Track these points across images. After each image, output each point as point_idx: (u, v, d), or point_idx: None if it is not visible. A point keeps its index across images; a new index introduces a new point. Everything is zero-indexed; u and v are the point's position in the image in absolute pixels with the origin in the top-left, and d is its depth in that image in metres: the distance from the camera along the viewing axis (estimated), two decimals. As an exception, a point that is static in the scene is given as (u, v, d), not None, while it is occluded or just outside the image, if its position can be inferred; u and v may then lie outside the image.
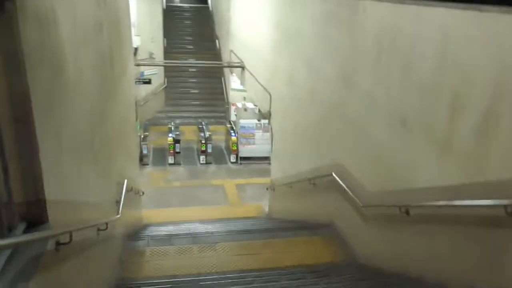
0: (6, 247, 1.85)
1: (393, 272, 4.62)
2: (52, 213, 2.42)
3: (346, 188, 5.74)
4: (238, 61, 15.31)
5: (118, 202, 5.29)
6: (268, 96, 10.10)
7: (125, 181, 5.90)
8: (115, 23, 5.88)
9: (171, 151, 14.34)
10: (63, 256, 2.67)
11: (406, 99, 4.26)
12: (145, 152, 14.24)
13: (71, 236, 2.58)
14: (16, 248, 2.06)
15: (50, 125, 2.44)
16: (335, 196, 6.36)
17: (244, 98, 15.98)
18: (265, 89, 10.43)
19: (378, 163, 5.00)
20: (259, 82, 11.17)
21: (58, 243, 2.51)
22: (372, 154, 5.13)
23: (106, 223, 4.00)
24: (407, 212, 4.33)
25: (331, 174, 6.22)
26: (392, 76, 4.51)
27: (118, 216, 4.88)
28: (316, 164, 7.12)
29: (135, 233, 7.19)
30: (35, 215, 2.30)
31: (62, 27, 2.69)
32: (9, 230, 2.15)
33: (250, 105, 15.30)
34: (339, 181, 5.98)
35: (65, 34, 2.78)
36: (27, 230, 2.24)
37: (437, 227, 3.99)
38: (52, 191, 2.43)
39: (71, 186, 2.96)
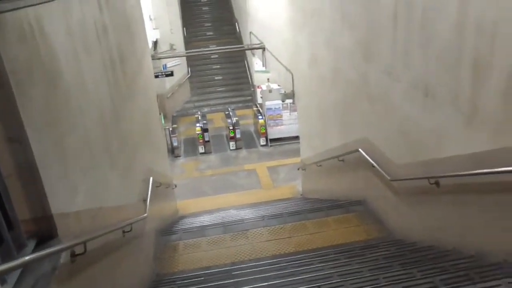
0: (12, 269, 1.84)
1: (428, 246, 4.46)
2: (64, 225, 2.43)
3: (374, 163, 5.56)
4: (258, 42, 15.07)
5: (145, 200, 5.35)
6: (290, 76, 9.90)
7: (151, 178, 5.94)
8: (123, 22, 5.84)
9: (201, 141, 14.43)
10: (84, 265, 2.70)
11: (426, 67, 4.02)
12: (175, 144, 14.39)
13: (85, 246, 2.59)
14: (25, 267, 2.07)
15: (49, 138, 2.42)
16: (364, 172, 6.19)
17: (268, 80, 15.79)
18: (287, 69, 10.22)
19: (404, 135, 4.79)
20: (280, 63, 10.95)
21: (73, 255, 2.52)
22: (397, 126, 4.92)
23: (130, 225, 4.03)
24: (437, 184, 4.14)
25: (358, 150, 6.04)
26: (410, 44, 4.25)
27: (145, 215, 4.92)
28: (343, 140, 6.94)
29: (169, 226, 7.30)
30: (44, 231, 2.31)
31: (52, 38, 2.65)
32: (19, 249, 2.17)
33: (274, 86, 15.08)
34: (366, 156, 5.80)
35: (58, 45, 2.74)
36: (37, 248, 2.25)
37: (468, 196, 3.79)
38: (61, 203, 2.44)
39: (85, 194, 2.97)
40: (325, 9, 6.99)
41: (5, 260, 1.92)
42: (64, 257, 2.39)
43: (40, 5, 2.52)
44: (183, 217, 9.11)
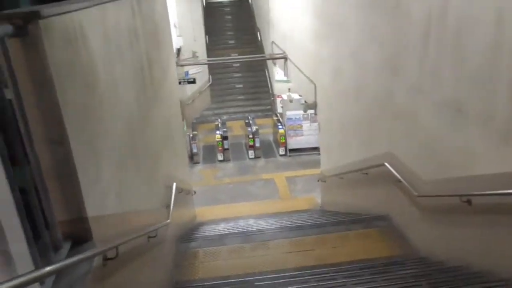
0: (50, 273, 1.82)
1: (455, 266, 4.34)
2: (97, 228, 2.43)
3: (401, 178, 5.46)
4: (280, 52, 15.12)
5: (168, 206, 5.35)
6: (313, 87, 9.87)
7: (174, 184, 5.95)
8: (152, 28, 5.90)
9: (220, 148, 14.45)
10: (114, 269, 2.69)
11: (459, 85, 3.94)
12: (195, 150, 14.44)
13: (117, 250, 2.58)
14: (61, 271, 2.06)
15: (86, 141, 2.43)
16: (388, 187, 6.09)
17: (289, 89, 15.78)
18: (309, 79, 10.20)
19: (432, 151, 4.70)
20: (303, 73, 10.95)
21: (105, 259, 2.52)
22: (425, 142, 4.83)
23: (156, 230, 4.02)
24: (469, 202, 4.03)
25: (384, 164, 5.94)
26: (443, 61, 4.18)
27: (168, 221, 4.92)
28: (367, 154, 6.85)
29: (188, 233, 7.28)
30: (79, 234, 2.31)
31: (92, 42, 2.67)
32: (55, 251, 2.17)
33: (295, 96, 15.05)
34: (393, 171, 5.70)
35: (96, 49, 2.77)
36: (72, 249, 2.25)
37: (503, 217, 3.67)
38: (94, 206, 2.43)
39: (115, 198, 2.97)
40: (351, 23, 6.96)
41: (42, 260, 1.92)
42: (97, 261, 2.38)
43: (82, 10, 2.55)
44: (201, 224, 9.09)
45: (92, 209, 2.37)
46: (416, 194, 5.03)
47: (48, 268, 1.68)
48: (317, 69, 9.61)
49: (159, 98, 5.81)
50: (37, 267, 1.81)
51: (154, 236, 4.00)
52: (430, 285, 3.81)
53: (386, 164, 5.91)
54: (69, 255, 2.19)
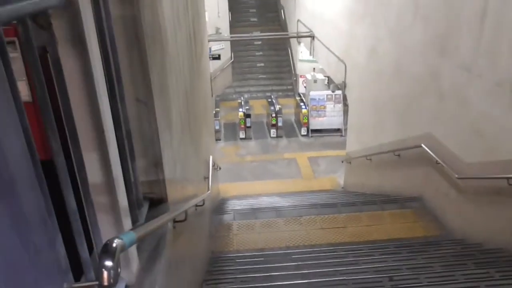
0: (146, 235, 1.86)
1: (497, 248, 4.34)
2: (170, 191, 2.48)
3: (439, 160, 5.44)
4: (307, 31, 14.91)
5: (206, 178, 5.41)
6: (343, 67, 9.76)
7: (210, 157, 6.00)
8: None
9: (242, 126, 14.44)
10: (179, 232, 2.75)
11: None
12: (217, 127, 14.46)
13: (186, 214, 2.64)
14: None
15: (163, 105, 2.46)
16: (424, 169, 6.07)
17: (314, 69, 15.63)
18: (339, 59, 10.07)
19: (478, 133, 4.65)
20: (332, 52, 10.80)
21: (174, 221, 2.57)
22: (471, 124, 4.78)
23: (203, 200, 4.08)
24: (517, 185, 4.02)
25: (421, 146, 5.91)
26: (501, 40, 4.10)
27: (209, 192, 4.99)
28: (401, 135, 6.81)
29: (218, 207, 7.38)
30: (156, 194, 2.36)
31: (164, 6, 2.68)
32: (138, 209, 2.22)
33: (320, 76, 14.92)
34: (430, 152, 5.67)
35: (167, 14, 2.77)
36: (150, 209, 2.30)
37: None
38: (168, 170, 2.48)
39: (178, 165, 3.02)
40: (393, 0, 6.83)
41: (133, 217, 1.97)
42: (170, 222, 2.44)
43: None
44: (226, 199, 9.19)
45: (167, 172, 2.42)
46: (456, 176, 5.01)
47: (151, 226, 1.72)
48: (349, 48, 9.48)
49: (200, 71, 5.82)
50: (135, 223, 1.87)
51: (202, 205, 4.06)
52: (475, 264, 3.83)
53: (423, 145, 5.88)
54: (148, 215, 2.24)
